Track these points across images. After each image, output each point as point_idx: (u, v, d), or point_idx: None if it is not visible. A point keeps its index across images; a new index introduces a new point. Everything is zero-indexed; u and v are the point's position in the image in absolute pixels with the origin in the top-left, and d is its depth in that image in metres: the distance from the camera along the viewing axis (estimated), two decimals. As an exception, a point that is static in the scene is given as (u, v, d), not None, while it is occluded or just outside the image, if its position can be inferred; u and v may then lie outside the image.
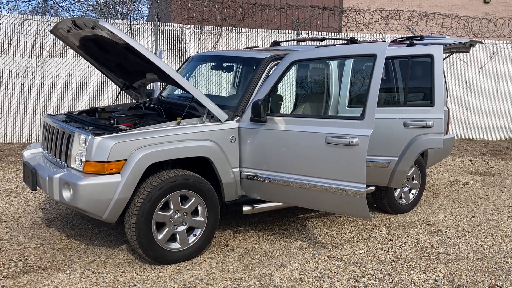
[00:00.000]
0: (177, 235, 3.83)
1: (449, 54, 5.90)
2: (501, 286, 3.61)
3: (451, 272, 3.81)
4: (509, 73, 11.44)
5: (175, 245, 3.83)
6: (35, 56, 8.90)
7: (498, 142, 11.08)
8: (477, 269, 3.88)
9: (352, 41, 4.51)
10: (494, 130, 11.53)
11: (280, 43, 5.67)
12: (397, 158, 4.74)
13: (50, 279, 3.50)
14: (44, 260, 3.85)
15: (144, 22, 10.02)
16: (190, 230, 3.91)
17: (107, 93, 9.32)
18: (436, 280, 3.66)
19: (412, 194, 5.49)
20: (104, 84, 9.26)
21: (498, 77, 11.38)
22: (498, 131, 11.55)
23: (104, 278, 3.55)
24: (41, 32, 8.88)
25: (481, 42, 6.05)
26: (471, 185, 6.85)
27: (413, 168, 5.43)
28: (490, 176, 7.49)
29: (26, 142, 8.92)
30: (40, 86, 8.96)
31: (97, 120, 4.21)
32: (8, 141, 8.86)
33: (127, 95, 5.32)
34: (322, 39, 5.08)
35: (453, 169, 8.01)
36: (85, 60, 5.76)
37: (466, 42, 5.42)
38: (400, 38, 5.47)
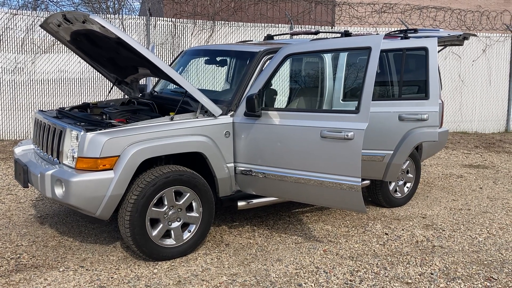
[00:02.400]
0: (172, 231, 3.79)
1: (442, 47, 5.89)
2: (496, 278, 3.61)
3: (447, 265, 3.81)
4: (501, 66, 11.48)
5: (170, 241, 3.79)
6: (25, 52, 8.79)
7: (491, 134, 11.13)
8: (472, 262, 3.89)
9: (346, 34, 4.48)
10: (487, 123, 11.57)
11: (274, 37, 5.63)
12: (392, 152, 4.73)
13: (43, 277, 3.46)
14: (37, 258, 3.81)
15: (136, 16, 9.92)
16: (184, 226, 3.88)
17: (99, 88, 9.24)
18: (431, 273, 3.66)
19: (407, 187, 5.50)
20: (96, 80, 9.17)
21: (491, 70, 11.42)
22: (491, 124, 11.60)
23: (98, 275, 3.52)
24: (31, 27, 8.77)
25: (474, 35, 6.04)
26: (465, 178, 6.87)
27: (408, 162, 5.42)
28: (484, 169, 7.52)
29: (17, 138, 8.83)
30: (31, 82, 8.86)
31: (89, 116, 4.16)
32: (-1, 138, 8.77)
33: (120, 90, 5.26)
34: (316, 33, 5.04)
35: (447, 162, 8.03)
36: (76, 56, 5.69)
37: (460, 35, 5.41)
38: (394, 31, 5.45)
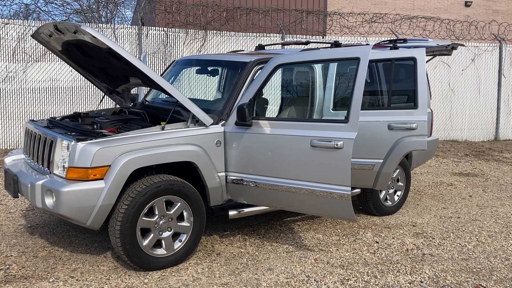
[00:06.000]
0: (163, 241, 3.79)
1: (432, 56, 5.97)
2: (485, 286, 3.65)
3: (436, 273, 3.84)
4: (490, 75, 11.64)
5: (161, 251, 3.79)
6: (16, 61, 8.77)
7: (481, 143, 11.24)
8: (462, 270, 3.92)
9: (336, 44, 4.53)
10: (477, 131, 11.70)
11: (265, 47, 5.68)
12: (381, 161, 4.77)
13: (33, 288, 3.44)
14: (26, 268, 3.78)
15: (128, 26, 9.95)
16: (175, 235, 3.88)
17: (90, 98, 9.23)
18: (421, 281, 3.69)
19: (397, 195, 5.53)
20: (87, 89, 9.17)
21: (480, 79, 11.57)
22: (480, 132, 11.73)
23: (89, 285, 3.50)
24: (23, 36, 8.76)
25: (462, 45, 6.13)
26: (455, 186, 6.93)
27: (398, 170, 5.47)
28: (474, 177, 7.59)
29: (7, 148, 8.78)
30: (22, 91, 8.83)
31: (80, 126, 4.16)
32: (-11, 148, 8.71)
33: (111, 100, 5.27)
34: (307, 43, 5.10)
35: (437, 170, 8.09)
36: (67, 65, 5.70)
37: (448, 45, 5.49)
38: (383, 41, 5.52)
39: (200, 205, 3.92)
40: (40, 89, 8.93)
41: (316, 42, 4.84)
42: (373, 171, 4.79)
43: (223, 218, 4.62)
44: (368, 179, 4.84)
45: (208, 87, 5.41)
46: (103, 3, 18.15)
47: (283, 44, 5.48)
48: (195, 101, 4.09)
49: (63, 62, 6.23)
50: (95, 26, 9.67)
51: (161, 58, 9.65)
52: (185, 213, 3.87)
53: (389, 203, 5.44)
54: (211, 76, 5.30)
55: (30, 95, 8.89)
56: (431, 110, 5.92)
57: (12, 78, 8.76)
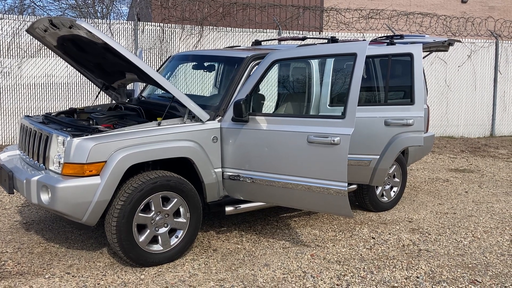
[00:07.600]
0: (159, 237, 3.78)
1: (428, 52, 5.97)
2: (480, 281, 3.66)
3: (432, 269, 3.85)
4: (486, 71, 11.66)
5: (157, 247, 3.78)
6: (11, 56, 8.71)
7: (477, 139, 11.28)
8: (458, 265, 3.94)
9: (333, 40, 4.52)
10: (473, 127, 11.73)
11: (262, 42, 5.66)
12: (378, 157, 4.77)
13: (28, 284, 3.43)
14: (22, 264, 3.77)
15: (124, 21, 9.90)
16: (172, 231, 3.87)
17: (86, 93, 9.19)
18: (417, 277, 3.70)
19: (394, 191, 5.54)
20: (83, 85, 9.12)
21: (476, 75, 11.59)
22: (476, 129, 11.76)
23: (85, 282, 3.49)
24: (17, 31, 8.70)
25: (459, 41, 6.13)
26: (451, 182, 6.95)
27: (394, 166, 5.47)
28: (470, 173, 7.61)
29: (2, 144, 8.73)
30: (17, 86, 8.78)
31: (76, 121, 4.14)
32: (-16, 143, 8.66)
33: (107, 96, 5.24)
34: (303, 39, 5.08)
35: (434, 166, 8.11)
36: (63, 61, 5.66)
37: (445, 41, 5.49)
38: (380, 37, 5.52)
39: (196, 201, 3.91)
40: (35, 84, 8.88)
41: (313, 38, 4.84)
42: (369, 167, 4.79)
43: (219, 214, 4.62)
44: (365, 175, 4.84)
45: (204, 82, 5.40)
46: (98, -2, 18.07)
47: (280, 40, 5.47)
48: (191, 96, 4.07)
49: (59, 57, 6.19)
50: (90, 21, 9.61)
51: (157, 54, 9.61)
52: (181, 209, 3.87)
53: (386, 199, 5.45)
54: (207, 72, 5.28)
55: (25, 90, 8.83)
56: (428, 106, 5.93)
57: (7, 74, 8.70)
